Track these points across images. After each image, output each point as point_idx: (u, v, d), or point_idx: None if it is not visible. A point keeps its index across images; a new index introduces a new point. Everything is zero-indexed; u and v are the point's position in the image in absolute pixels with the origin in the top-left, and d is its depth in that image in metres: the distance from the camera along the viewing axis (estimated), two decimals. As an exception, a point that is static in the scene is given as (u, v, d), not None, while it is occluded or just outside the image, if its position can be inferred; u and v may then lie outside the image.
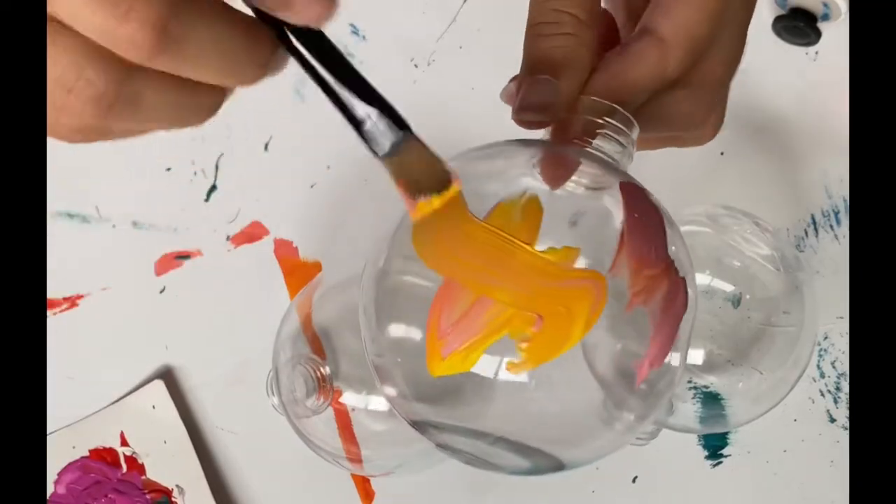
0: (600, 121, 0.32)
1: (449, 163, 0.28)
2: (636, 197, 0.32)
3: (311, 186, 0.53)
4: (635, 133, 0.33)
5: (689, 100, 0.33)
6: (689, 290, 0.31)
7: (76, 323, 0.53)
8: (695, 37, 0.32)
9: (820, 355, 0.52)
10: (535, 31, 0.32)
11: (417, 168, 0.28)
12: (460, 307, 0.28)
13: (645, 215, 0.32)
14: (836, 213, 0.52)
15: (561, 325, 0.28)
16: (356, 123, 0.27)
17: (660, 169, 0.53)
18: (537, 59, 0.32)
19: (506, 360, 0.28)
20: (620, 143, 0.33)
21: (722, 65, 0.33)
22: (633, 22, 0.34)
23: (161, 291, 0.53)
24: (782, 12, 0.51)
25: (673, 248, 0.32)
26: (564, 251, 0.29)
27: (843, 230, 0.52)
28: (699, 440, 0.52)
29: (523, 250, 0.28)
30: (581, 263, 0.29)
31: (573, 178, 0.31)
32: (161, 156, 0.53)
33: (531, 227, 0.29)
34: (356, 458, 0.46)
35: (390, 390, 0.31)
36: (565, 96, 0.32)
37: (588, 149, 0.32)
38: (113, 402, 0.52)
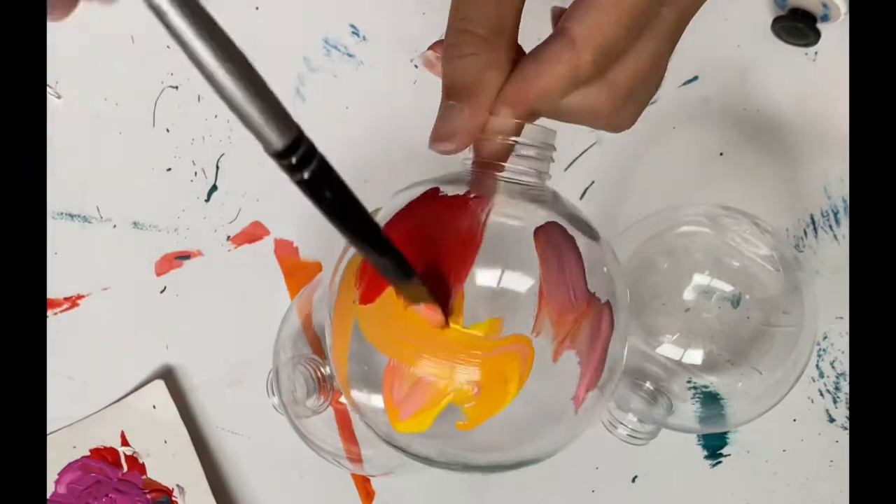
0: (511, 141, 0.34)
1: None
2: (549, 241, 0.34)
3: (312, 186, 0.53)
4: (551, 138, 0.35)
5: (595, 96, 0.33)
6: (615, 311, 0.34)
7: (76, 323, 0.53)
8: (606, 38, 0.32)
9: (819, 355, 0.52)
10: (444, 54, 0.33)
11: (416, 294, 0.31)
12: (407, 382, 0.32)
13: (560, 259, 0.34)
14: (836, 214, 0.52)
15: (496, 388, 0.32)
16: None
17: (659, 169, 0.53)
18: (446, 85, 0.33)
19: (455, 421, 0.32)
20: (536, 157, 0.34)
21: (636, 69, 0.33)
22: None
23: (161, 291, 0.53)
24: (782, 13, 0.51)
25: (594, 277, 0.34)
26: (488, 323, 0.32)
27: (843, 230, 0.52)
28: (699, 440, 0.52)
29: (453, 331, 0.32)
30: (508, 327, 0.32)
31: (494, 216, 0.33)
32: (161, 156, 0.53)
33: (457, 306, 0.32)
34: (356, 458, 0.46)
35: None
36: (472, 120, 0.33)
37: (500, 179, 0.34)
38: (113, 402, 0.52)
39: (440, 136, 0.33)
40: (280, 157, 0.26)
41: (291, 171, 0.26)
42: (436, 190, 0.35)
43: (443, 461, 0.35)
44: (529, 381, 0.32)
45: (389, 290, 0.32)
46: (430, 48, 0.36)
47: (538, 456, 0.35)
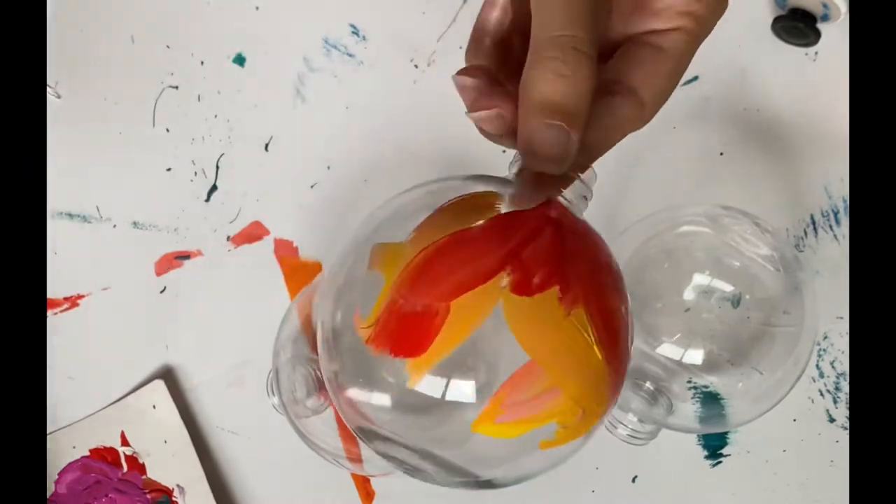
0: (572, 175, 0.34)
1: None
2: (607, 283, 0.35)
3: (311, 186, 0.53)
4: (594, 181, 0.36)
5: (633, 109, 0.35)
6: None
7: (76, 323, 0.53)
8: (666, 98, 0.35)
9: (819, 355, 0.52)
10: (547, 68, 0.32)
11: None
12: (533, 389, 0.31)
13: (617, 297, 0.35)
14: (836, 214, 0.52)
15: (590, 419, 0.33)
16: None
17: (659, 169, 0.53)
18: (551, 102, 0.32)
19: (541, 438, 0.32)
20: (584, 198, 0.36)
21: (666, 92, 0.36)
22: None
23: (161, 291, 0.53)
24: (782, 13, 0.51)
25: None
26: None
27: (843, 230, 0.52)
28: (699, 440, 0.52)
29: (596, 353, 0.32)
30: None
31: None
32: (161, 156, 0.53)
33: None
34: (356, 458, 0.46)
35: (348, 400, 0.33)
36: (576, 145, 0.32)
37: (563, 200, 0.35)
38: (113, 402, 0.52)
39: (551, 157, 0.32)
40: None
41: None
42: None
43: (405, 443, 0.34)
44: None
45: (552, 292, 0.31)
46: (465, 73, 0.34)
47: (541, 471, 0.36)
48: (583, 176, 0.35)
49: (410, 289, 0.31)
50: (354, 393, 0.33)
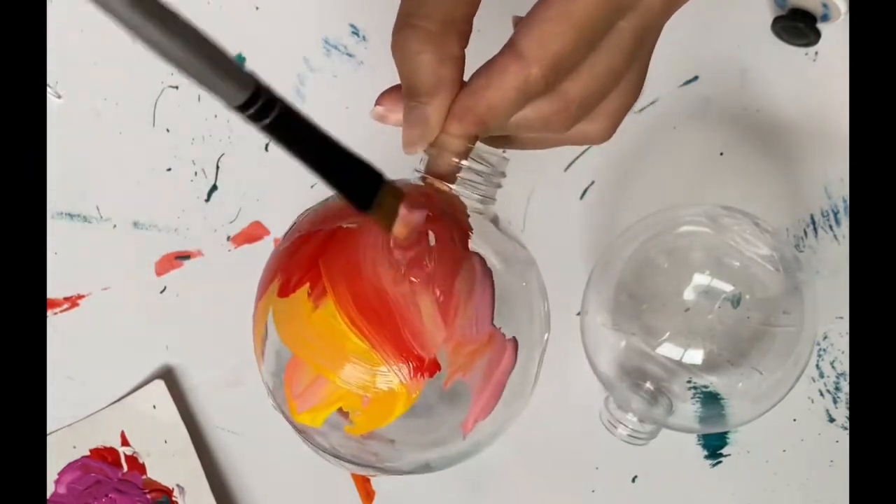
0: (461, 163, 0.34)
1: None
2: (464, 272, 0.35)
3: (312, 186, 0.53)
4: (503, 165, 0.36)
5: (546, 109, 0.33)
6: (523, 347, 0.36)
7: (76, 323, 0.53)
8: (555, 52, 0.31)
9: (819, 355, 0.52)
10: (395, 53, 0.33)
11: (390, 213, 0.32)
12: (305, 379, 0.34)
13: (470, 291, 0.35)
14: (836, 214, 0.52)
15: (385, 403, 0.34)
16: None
17: (659, 169, 0.53)
18: (405, 86, 0.33)
19: (344, 423, 0.35)
20: (482, 182, 0.35)
21: (589, 81, 0.33)
22: None
23: (161, 291, 0.53)
24: (782, 13, 0.51)
25: (508, 311, 0.36)
26: None
27: (843, 230, 0.52)
28: (699, 440, 0.52)
29: (353, 338, 0.33)
30: None
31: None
32: (161, 156, 0.53)
33: None
34: (356, 458, 0.46)
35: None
36: (436, 118, 0.33)
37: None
38: (113, 402, 0.52)
39: (411, 141, 0.34)
40: (242, 109, 0.26)
41: (254, 119, 0.27)
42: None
43: (337, 456, 0.37)
44: (420, 402, 0.34)
45: (303, 290, 0.34)
46: (378, 103, 0.35)
47: (430, 467, 0.38)
48: (486, 157, 0.35)
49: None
50: None
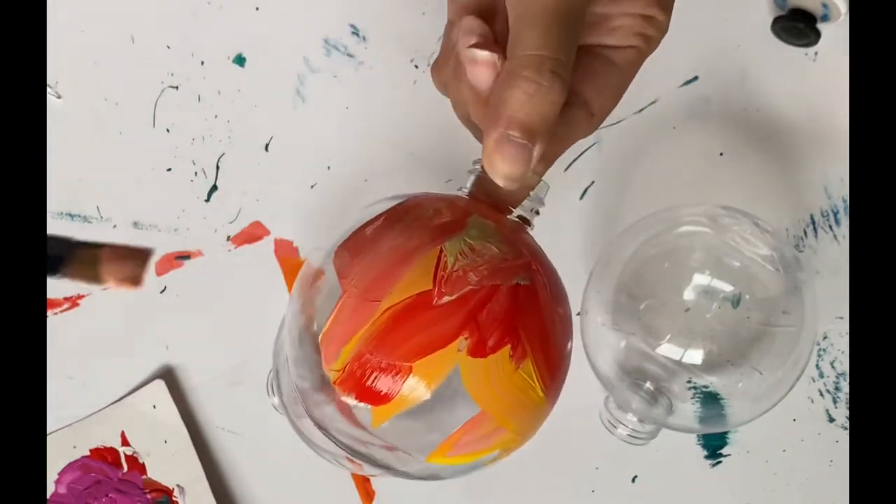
0: (528, 192, 0.38)
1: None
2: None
3: (312, 186, 0.53)
4: (544, 191, 0.39)
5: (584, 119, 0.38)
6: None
7: (77, 323, 0.53)
8: (613, 107, 0.38)
9: (819, 355, 0.52)
10: (516, 83, 0.33)
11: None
12: (482, 431, 0.36)
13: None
14: (836, 214, 0.52)
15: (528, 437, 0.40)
16: None
17: (659, 169, 0.53)
18: (521, 121, 0.33)
19: (485, 460, 0.39)
20: (536, 212, 0.40)
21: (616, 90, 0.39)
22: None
23: (161, 291, 0.53)
24: (781, 13, 0.51)
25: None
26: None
27: (843, 230, 0.52)
28: (699, 440, 0.52)
29: (540, 394, 0.37)
30: None
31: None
32: (161, 156, 0.53)
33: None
34: (356, 458, 0.46)
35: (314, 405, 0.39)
36: (535, 163, 0.34)
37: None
38: (113, 402, 0.52)
39: (512, 177, 0.34)
40: None
41: None
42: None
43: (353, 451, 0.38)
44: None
45: (504, 351, 0.35)
46: (476, 46, 0.35)
47: (440, 477, 0.41)
48: (534, 190, 0.38)
49: (377, 346, 0.34)
50: (319, 410, 0.38)
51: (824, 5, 0.49)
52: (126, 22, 0.52)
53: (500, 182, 0.34)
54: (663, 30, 0.37)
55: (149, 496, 0.52)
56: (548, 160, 0.37)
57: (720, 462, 0.52)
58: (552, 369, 0.37)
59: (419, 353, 0.34)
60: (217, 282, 0.53)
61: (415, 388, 0.34)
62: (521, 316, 0.36)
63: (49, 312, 0.52)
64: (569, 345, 0.39)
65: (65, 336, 0.52)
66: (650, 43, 0.37)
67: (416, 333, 0.34)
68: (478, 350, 0.35)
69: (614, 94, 0.37)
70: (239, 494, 0.52)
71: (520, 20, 0.33)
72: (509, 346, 0.35)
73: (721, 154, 0.52)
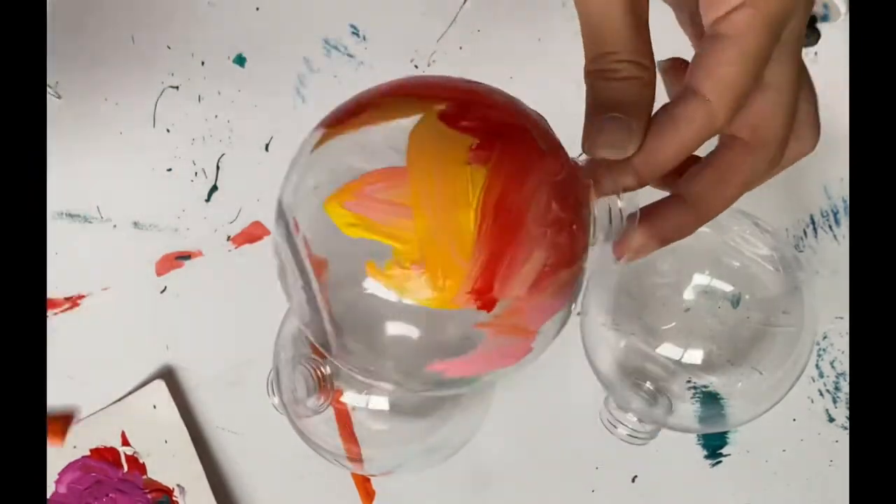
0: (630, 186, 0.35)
1: None
2: None
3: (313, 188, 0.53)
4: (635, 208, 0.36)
5: (759, 167, 0.35)
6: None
7: (77, 323, 0.53)
8: (737, 90, 0.32)
9: (819, 355, 0.52)
10: (600, 74, 0.33)
11: None
12: (388, 194, 0.30)
13: None
14: (836, 214, 0.52)
15: (427, 287, 0.30)
16: None
17: (660, 169, 0.53)
18: (608, 99, 0.33)
19: (373, 259, 0.30)
20: (634, 216, 0.36)
21: (769, 105, 0.34)
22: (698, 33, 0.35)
23: (162, 291, 0.53)
24: (782, 12, 0.51)
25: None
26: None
27: (843, 230, 0.52)
28: (698, 440, 0.52)
29: (470, 217, 0.30)
30: None
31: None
32: (162, 156, 0.53)
33: None
34: (356, 458, 0.46)
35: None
36: (638, 135, 0.33)
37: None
38: (113, 402, 0.52)
39: (612, 143, 0.33)
40: None
41: None
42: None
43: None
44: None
45: (467, 139, 0.31)
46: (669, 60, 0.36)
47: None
48: (632, 195, 0.35)
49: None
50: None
51: (824, 5, 0.49)
52: (126, 22, 0.52)
53: (611, 154, 0.33)
54: None
55: (149, 496, 0.52)
56: (657, 161, 0.34)
57: (720, 462, 0.52)
58: (503, 226, 0.30)
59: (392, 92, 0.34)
60: (217, 282, 0.53)
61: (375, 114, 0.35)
62: (510, 143, 0.31)
63: (49, 312, 0.52)
64: (533, 248, 0.31)
65: (65, 336, 0.52)
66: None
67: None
68: (449, 118, 0.31)
69: (731, 69, 0.32)
70: (239, 494, 0.52)
71: (593, 22, 0.34)
72: (479, 140, 0.30)
73: (721, 154, 0.52)
